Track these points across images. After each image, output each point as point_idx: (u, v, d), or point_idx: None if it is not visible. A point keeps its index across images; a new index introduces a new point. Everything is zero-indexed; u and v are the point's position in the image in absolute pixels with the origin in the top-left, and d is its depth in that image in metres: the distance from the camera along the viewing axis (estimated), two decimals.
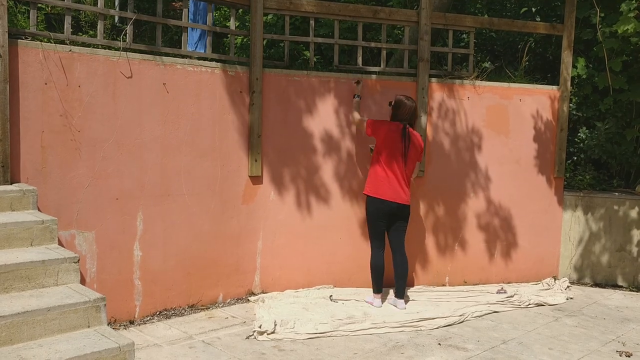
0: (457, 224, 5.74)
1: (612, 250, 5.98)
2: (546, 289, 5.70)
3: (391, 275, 5.14)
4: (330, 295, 5.13)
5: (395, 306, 4.96)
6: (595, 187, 6.16)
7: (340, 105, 5.29)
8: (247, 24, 6.37)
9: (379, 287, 5.00)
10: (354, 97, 5.20)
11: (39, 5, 4.20)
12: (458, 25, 5.66)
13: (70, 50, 4.05)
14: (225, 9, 7.26)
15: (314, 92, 5.21)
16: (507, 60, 6.88)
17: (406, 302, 5.05)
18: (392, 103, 5.03)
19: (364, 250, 5.40)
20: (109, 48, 4.27)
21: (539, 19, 6.97)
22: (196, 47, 6.15)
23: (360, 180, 5.39)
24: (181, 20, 4.80)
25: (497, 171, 5.81)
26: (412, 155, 4.93)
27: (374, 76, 5.41)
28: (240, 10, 6.37)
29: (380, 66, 5.51)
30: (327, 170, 5.30)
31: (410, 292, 5.42)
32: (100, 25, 4.30)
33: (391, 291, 5.14)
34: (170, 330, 4.31)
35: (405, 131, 4.87)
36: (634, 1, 5.14)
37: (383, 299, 5.05)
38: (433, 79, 5.57)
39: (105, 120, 4.22)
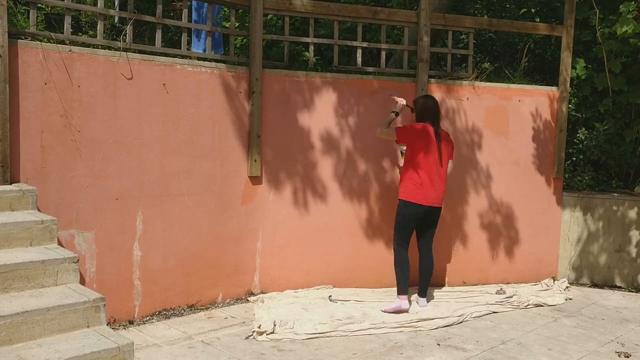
0: (456, 224, 5.74)
1: (611, 250, 5.98)
2: (545, 290, 5.70)
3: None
4: (330, 296, 5.13)
5: (418, 303, 5.01)
6: (594, 187, 6.17)
7: (340, 105, 5.29)
8: (246, 24, 6.37)
9: (405, 288, 4.86)
10: (392, 112, 5.04)
11: (39, 5, 4.20)
12: (457, 26, 5.67)
13: (70, 51, 4.05)
14: (225, 9, 7.25)
15: (313, 93, 5.21)
16: (507, 61, 6.89)
17: (428, 300, 5.09)
18: (414, 107, 4.99)
19: (364, 250, 5.41)
20: (109, 48, 4.27)
21: (539, 20, 6.98)
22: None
23: (360, 180, 5.39)
24: (181, 20, 4.80)
25: (496, 172, 5.82)
26: (446, 155, 4.88)
27: (373, 77, 5.41)
28: (240, 10, 6.37)
29: (379, 67, 5.52)
30: (327, 170, 5.30)
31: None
32: (100, 26, 4.30)
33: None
34: (170, 330, 4.31)
35: (437, 131, 4.83)
36: (632, 2, 5.14)
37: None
38: (432, 80, 5.58)
39: (105, 120, 4.22)
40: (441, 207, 4.96)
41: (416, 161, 4.78)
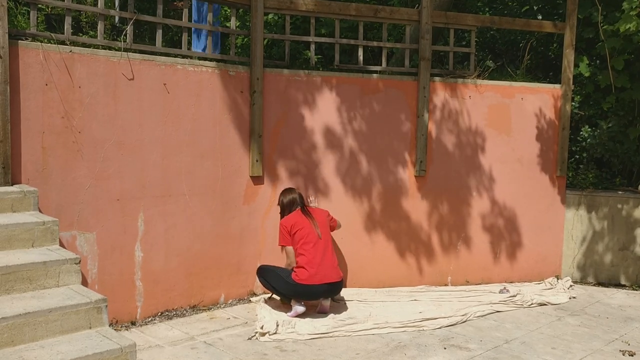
0: (459, 223, 5.73)
1: (614, 249, 5.96)
2: (549, 289, 5.68)
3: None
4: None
5: (322, 303, 4.74)
6: (597, 185, 6.14)
7: (341, 104, 5.27)
8: (247, 23, 6.36)
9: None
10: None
11: (39, 5, 4.18)
12: (459, 23, 5.64)
13: (71, 51, 4.04)
14: (226, 8, 7.25)
15: (315, 92, 5.19)
16: (509, 58, 6.87)
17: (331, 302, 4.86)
18: (280, 209, 4.89)
19: (367, 249, 5.40)
20: (110, 48, 4.26)
21: (541, 18, 6.95)
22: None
23: (363, 179, 5.37)
24: (182, 20, 4.79)
25: (499, 170, 5.80)
26: (322, 224, 4.74)
27: (375, 75, 5.39)
28: (241, 10, 6.36)
29: (381, 65, 5.50)
30: (329, 169, 5.29)
31: (413, 292, 5.40)
32: (100, 26, 4.29)
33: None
34: (172, 331, 4.30)
35: (303, 210, 4.76)
36: None
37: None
38: (434, 78, 5.55)
39: (106, 120, 4.21)
40: (341, 281, 4.73)
41: (301, 245, 4.64)
